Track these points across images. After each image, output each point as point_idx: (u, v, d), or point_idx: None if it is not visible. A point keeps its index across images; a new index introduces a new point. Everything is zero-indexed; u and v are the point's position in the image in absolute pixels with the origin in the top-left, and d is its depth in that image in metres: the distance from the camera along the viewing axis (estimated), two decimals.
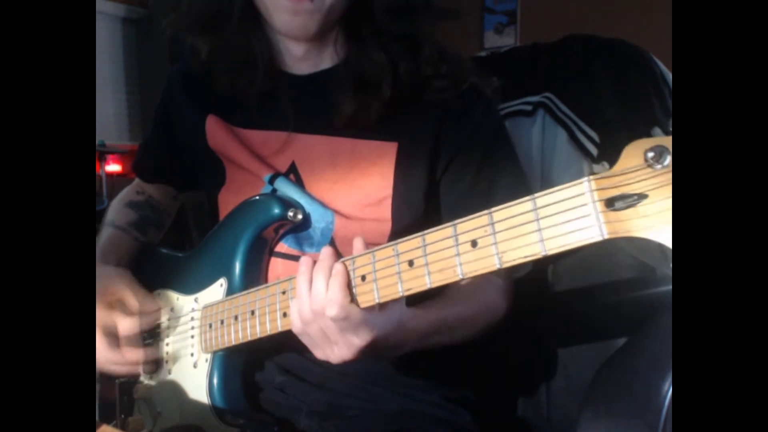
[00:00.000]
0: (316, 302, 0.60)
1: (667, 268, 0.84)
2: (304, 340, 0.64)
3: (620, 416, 0.65)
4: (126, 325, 0.81)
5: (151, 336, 0.87)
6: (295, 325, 0.63)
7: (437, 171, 0.79)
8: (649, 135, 0.89)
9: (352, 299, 0.59)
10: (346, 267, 0.60)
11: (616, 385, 0.69)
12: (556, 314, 0.95)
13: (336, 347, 0.62)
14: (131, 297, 0.83)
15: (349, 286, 0.60)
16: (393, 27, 0.74)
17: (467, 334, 0.76)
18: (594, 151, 0.95)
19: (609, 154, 0.93)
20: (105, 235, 0.94)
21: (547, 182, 0.98)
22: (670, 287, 0.39)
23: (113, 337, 0.81)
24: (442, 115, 0.78)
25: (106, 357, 0.80)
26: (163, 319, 0.87)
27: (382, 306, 0.60)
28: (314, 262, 0.62)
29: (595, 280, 0.92)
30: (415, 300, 0.59)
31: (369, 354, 0.62)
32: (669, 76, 0.94)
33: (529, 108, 1.01)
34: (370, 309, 0.59)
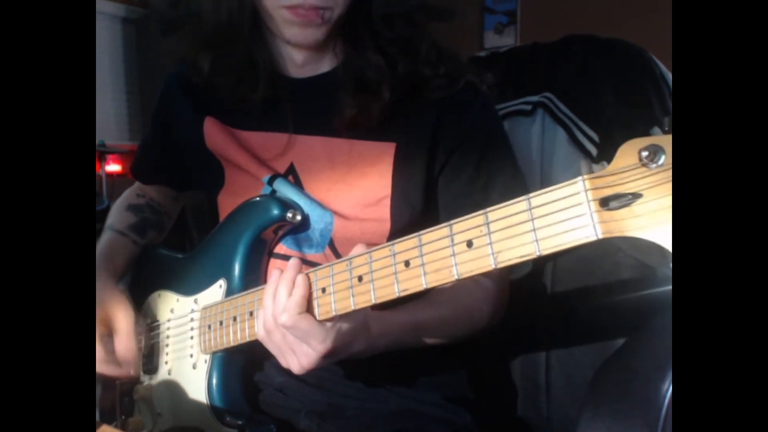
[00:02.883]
0: (276, 309, 0.62)
1: (667, 269, 0.84)
2: (269, 348, 0.66)
3: (620, 416, 0.65)
4: (117, 347, 0.82)
5: (150, 337, 0.88)
6: (259, 334, 0.66)
7: (435, 169, 0.79)
8: (648, 135, 0.89)
9: (309, 310, 0.62)
10: (308, 279, 0.62)
11: (616, 385, 0.69)
12: (556, 314, 0.95)
13: (296, 356, 0.64)
14: (120, 320, 0.82)
15: (310, 298, 0.62)
16: (390, 32, 0.75)
17: (447, 335, 0.77)
18: (593, 151, 0.95)
19: (609, 154, 0.93)
20: (104, 240, 0.94)
21: (546, 182, 0.97)
22: (670, 287, 0.39)
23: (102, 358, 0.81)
24: (438, 113, 0.78)
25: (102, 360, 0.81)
26: (163, 320, 0.87)
27: (342, 316, 0.61)
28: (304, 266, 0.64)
29: (595, 281, 0.92)
30: (388, 303, 0.59)
31: (332, 361, 0.64)
32: (669, 76, 0.94)
33: (528, 108, 1.01)
34: (328, 321, 0.61)
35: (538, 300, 0.94)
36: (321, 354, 0.62)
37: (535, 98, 1.01)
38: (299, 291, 0.61)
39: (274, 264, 0.81)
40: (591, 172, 0.95)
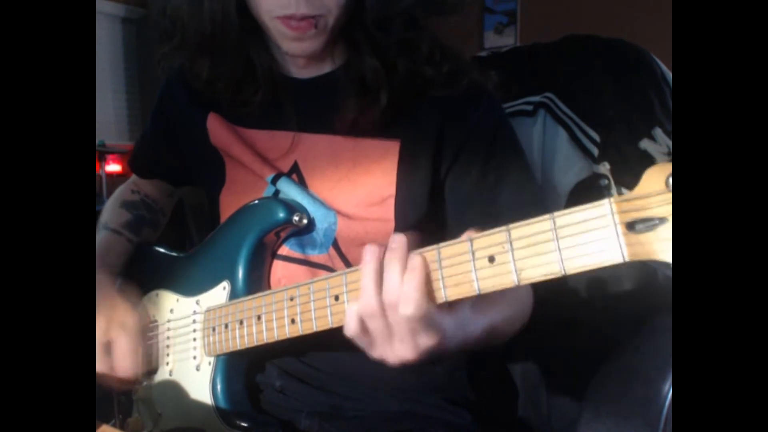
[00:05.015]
0: (389, 295, 0.54)
1: (667, 268, 0.84)
2: (361, 341, 0.59)
3: (620, 416, 0.65)
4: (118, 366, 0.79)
5: (149, 337, 0.87)
6: (351, 326, 0.58)
7: (441, 169, 0.79)
8: (649, 135, 0.89)
9: (430, 296, 0.54)
10: (425, 260, 0.54)
11: (616, 385, 0.69)
12: (556, 314, 0.95)
13: (401, 345, 0.56)
14: (121, 339, 0.79)
15: (427, 281, 0.54)
16: (386, 35, 0.74)
17: (506, 335, 0.73)
18: (595, 150, 0.95)
19: (610, 153, 0.93)
20: (99, 239, 0.93)
21: (547, 182, 0.98)
22: (670, 287, 0.39)
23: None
24: (443, 111, 0.77)
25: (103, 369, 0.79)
26: (162, 320, 0.87)
27: (450, 305, 0.56)
28: (381, 251, 0.56)
29: (595, 280, 0.92)
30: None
31: (429, 354, 0.57)
32: (669, 75, 0.94)
33: (529, 108, 1.01)
34: (440, 308, 0.55)
35: (537, 299, 0.94)
36: (434, 343, 0.55)
37: (536, 98, 1.01)
38: (419, 276, 0.53)
39: (276, 265, 0.81)
40: (592, 171, 0.95)
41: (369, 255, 0.56)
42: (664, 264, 0.42)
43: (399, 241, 0.55)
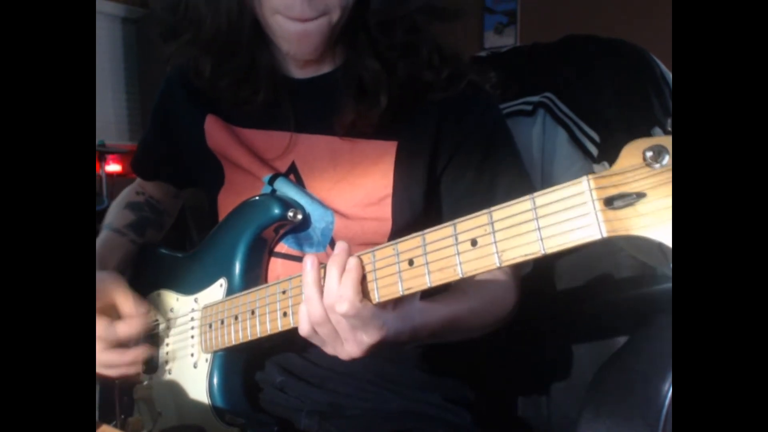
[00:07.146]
0: (329, 297, 0.58)
1: (667, 269, 0.84)
2: (314, 340, 0.63)
3: (620, 416, 0.65)
4: (122, 329, 0.78)
5: (150, 336, 0.87)
6: (303, 328, 0.62)
7: (437, 169, 0.79)
8: (649, 135, 0.89)
9: (365, 296, 0.58)
10: (361, 262, 0.58)
11: (616, 385, 0.69)
12: (556, 314, 0.95)
13: (346, 344, 0.60)
14: (123, 301, 0.80)
15: (363, 282, 0.58)
16: (388, 38, 0.75)
17: (477, 327, 0.75)
18: (594, 150, 0.95)
19: (609, 153, 0.93)
20: (101, 239, 0.93)
21: (547, 182, 0.98)
22: (670, 287, 0.39)
23: (108, 342, 0.78)
24: (441, 113, 0.78)
25: (103, 360, 0.79)
26: (163, 320, 0.87)
27: (396, 304, 0.59)
28: (319, 261, 0.61)
29: (595, 280, 0.92)
30: (426, 294, 0.59)
31: (378, 350, 0.61)
32: (669, 76, 0.94)
33: (529, 108, 1.01)
34: (382, 306, 0.58)
35: (538, 299, 0.94)
36: (376, 341, 0.59)
37: (535, 98, 1.01)
38: (354, 275, 0.57)
39: (275, 263, 0.81)
40: (592, 171, 0.95)
41: (309, 265, 0.60)
42: (660, 260, 0.42)
43: (341, 247, 0.59)
